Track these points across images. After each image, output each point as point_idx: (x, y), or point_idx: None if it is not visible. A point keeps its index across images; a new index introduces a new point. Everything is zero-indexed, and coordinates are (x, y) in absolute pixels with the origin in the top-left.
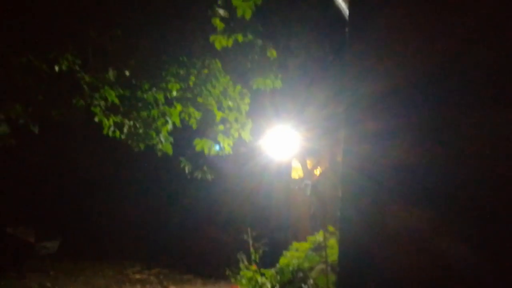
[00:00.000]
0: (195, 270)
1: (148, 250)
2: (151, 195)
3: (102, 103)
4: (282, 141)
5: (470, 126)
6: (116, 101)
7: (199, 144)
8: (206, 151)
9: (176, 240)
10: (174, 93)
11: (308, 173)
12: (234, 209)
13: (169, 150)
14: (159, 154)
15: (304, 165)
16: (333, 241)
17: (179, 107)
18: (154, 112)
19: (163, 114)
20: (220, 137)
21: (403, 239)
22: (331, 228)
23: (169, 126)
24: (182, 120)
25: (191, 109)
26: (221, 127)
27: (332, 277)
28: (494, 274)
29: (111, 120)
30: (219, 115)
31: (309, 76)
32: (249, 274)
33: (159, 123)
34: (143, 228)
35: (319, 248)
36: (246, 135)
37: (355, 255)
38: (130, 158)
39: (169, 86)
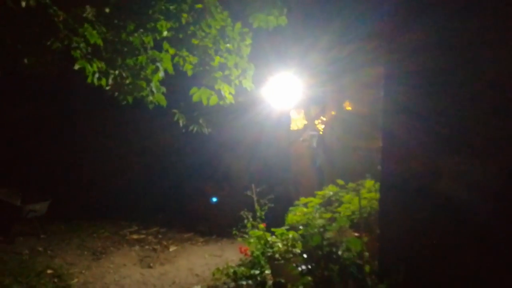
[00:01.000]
0: (195, 228)
1: (144, 209)
2: (145, 152)
3: (83, 45)
4: (285, 89)
5: None
6: (100, 42)
7: (197, 93)
8: (205, 101)
9: (173, 198)
10: (165, 33)
11: (312, 123)
12: (233, 163)
13: (163, 101)
14: (151, 106)
15: (308, 114)
16: (348, 196)
17: (171, 51)
18: (142, 58)
19: (153, 60)
20: (219, 85)
21: None
22: (340, 182)
23: (161, 74)
24: (175, 66)
25: (185, 53)
26: (219, 73)
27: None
28: None
29: (94, 66)
30: (217, 59)
31: (313, 13)
32: (258, 233)
33: (148, 70)
34: (138, 187)
35: (329, 203)
36: (247, 83)
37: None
38: (119, 112)
39: (158, 25)
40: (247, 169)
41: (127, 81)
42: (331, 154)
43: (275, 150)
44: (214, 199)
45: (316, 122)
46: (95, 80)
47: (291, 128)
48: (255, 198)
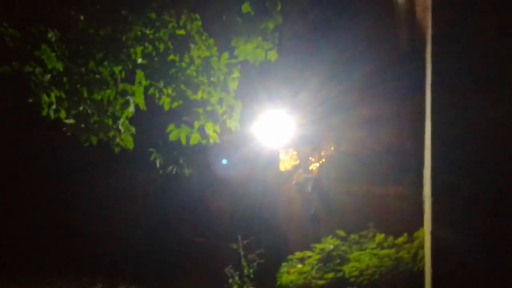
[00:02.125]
0: (172, 285)
1: (113, 262)
2: (115, 196)
3: (39, 70)
4: (275, 127)
5: None
6: (60, 67)
7: (174, 131)
8: (183, 140)
9: (146, 248)
10: (139, 61)
11: (304, 163)
12: (215, 208)
13: (130, 143)
14: (117, 150)
15: (299, 155)
16: (356, 254)
17: (144, 82)
18: (111, 91)
19: (123, 94)
20: (202, 121)
21: None
22: (341, 233)
23: (131, 109)
24: (150, 99)
25: (162, 84)
26: (200, 109)
27: None
28: None
29: (52, 96)
30: (199, 93)
31: (303, 52)
32: None
33: (117, 106)
34: (105, 235)
35: (329, 258)
36: (233, 122)
37: None
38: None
39: (131, 51)
40: (231, 215)
41: (93, 119)
42: (328, 200)
43: (263, 194)
44: None
45: (311, 164)
46: (51, 113)
47: (280, 170)
48: (241, 253)
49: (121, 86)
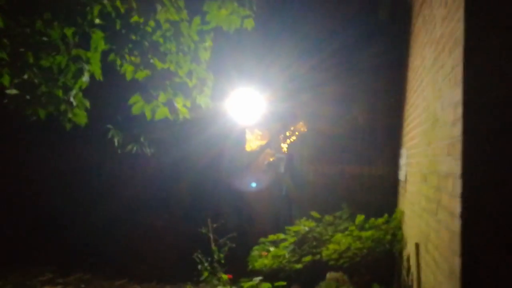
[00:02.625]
0: (130, 272)
1: (64, 251)
2: (66, 177)
3: None
4: (246, 105)
5: None
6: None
7: (138, 104)
8: (148, 115)
9: (102, 233)
10: (96, 21)
11: (274, 142)
12: (175, 188)
13: (82, 118)
14: (68, 126)
15: (270, 132)
16: (339, 236)
17: (102, 46)
18: (62, 58)
19: (76, 60)
20: (169, 94)
21: None
22: (315, 214)
23: (85, 79)
24: (110, 67)
25: (125, 50)
26: (167, 81)
27: None
28: None
29: None
30: (167, 63)
31: (274, 28)
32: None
33: (69, 75)
34: (55, 223)
35: (303, 240)
36: (203, 98)
37: None
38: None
39: (87, 9)
40: (196, 197)
41: (40, 90)
42: (301, 180)
43: (231, 175)
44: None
45: (281, 142)
46: None
47: (246, 149)
48: (211, 237)
49: (74, 51)
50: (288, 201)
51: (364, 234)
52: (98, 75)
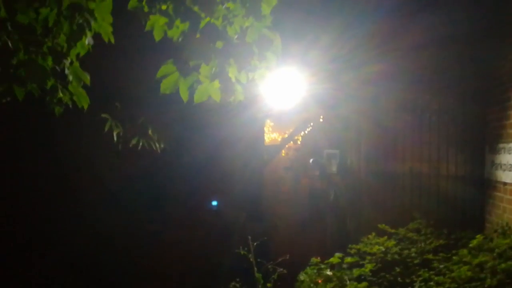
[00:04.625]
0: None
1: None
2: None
3: None
4: (287, 86)
5: None
6: None
7: (170, 78)
8: (184, 95)
9: (97, 251)
10: None
11: (323, 137)
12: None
13: (84, 99)
14: (57, 111)
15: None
16: (464, 269)
17: None
18: (47, 10)
19: (72, 12)
20: (216, 63)
21: None
22: (385, 227)
23: (87, 41)
24: (117, 23)
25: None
26: (219, 43)
27: None
28: None
29: None
30: (214, 16)
31: (314, 9)
32: None
33: (61, 36)
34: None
35: (384, 265)
36: (262, 71)
37: None
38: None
39: None
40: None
41: (17, 59)
42: (358, 182)
43: (245, 173)
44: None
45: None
46: None
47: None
48: (253, 261)
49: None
50: (339, 208)
51: (492, 264)
52: (108, 35)
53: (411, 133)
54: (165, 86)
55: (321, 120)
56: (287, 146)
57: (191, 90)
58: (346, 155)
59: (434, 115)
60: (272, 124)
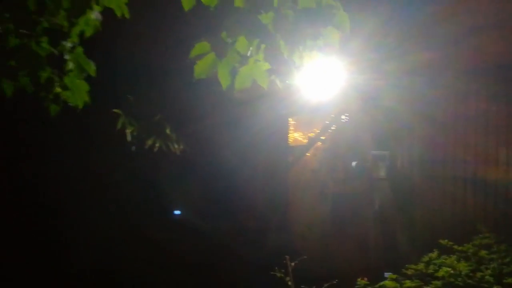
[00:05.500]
0: None
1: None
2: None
3: None
4: (325, 76)
5: None
6: None
7: (207, 58)
8: (225, 80)
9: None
10: None
11: (367, 136)
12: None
13: (80, 97)
14: (53, 110)
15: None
16: None
17: None
18: None
19: None
20: (257, 40)
21: None
22: (446, 243)
23: (94, 15)
24: None
25: None
26: (269, 14)
27: None
28: None
29: None
30: None
31: None
32: None
33: (60, 16)
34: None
35: None
36: (313, 53)
37: None
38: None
39: None
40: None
41: (7, 44)
42: (409, 188)
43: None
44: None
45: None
46: None
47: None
48: (291, 284)
49: None
50: (385, 219)
51: None
52: (121, 9)
53: (474, 131)
54: (200, 69)
55: (358, 115)
56: (314, 146)
57: (233, 73)
58: (396, 156)
59: (502, 109)
60: (293, 122)
